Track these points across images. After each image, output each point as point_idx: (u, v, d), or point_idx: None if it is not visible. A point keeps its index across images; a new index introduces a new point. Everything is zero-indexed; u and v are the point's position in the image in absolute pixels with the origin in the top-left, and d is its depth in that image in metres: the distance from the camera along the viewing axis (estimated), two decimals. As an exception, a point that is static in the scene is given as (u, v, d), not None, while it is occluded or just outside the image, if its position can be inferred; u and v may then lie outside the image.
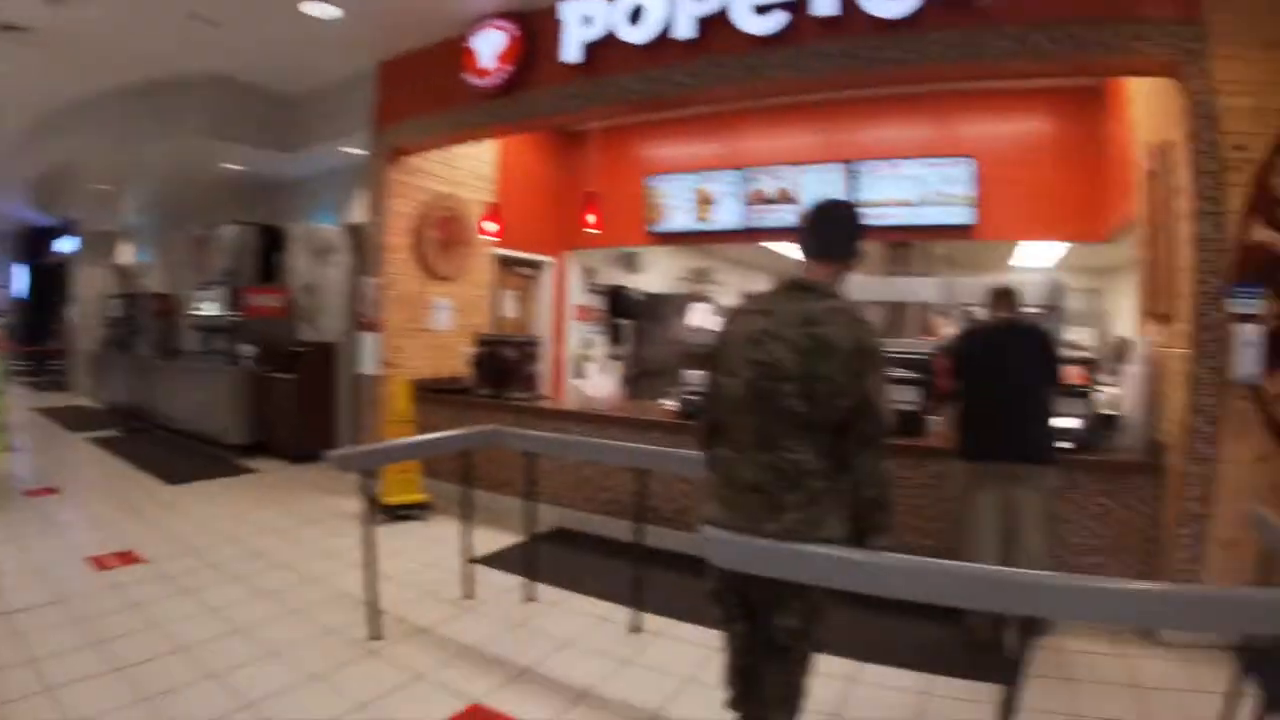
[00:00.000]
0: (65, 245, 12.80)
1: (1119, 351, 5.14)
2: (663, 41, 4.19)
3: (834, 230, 1.83)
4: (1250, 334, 3.06)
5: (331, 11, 4.79)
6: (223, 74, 6.07)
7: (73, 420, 8.73)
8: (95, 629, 3.02)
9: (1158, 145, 3.74)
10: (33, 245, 14.54)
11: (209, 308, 7.79)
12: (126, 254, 11.44)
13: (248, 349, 7.10)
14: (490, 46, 4.82)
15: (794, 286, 1.77)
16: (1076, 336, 5.66)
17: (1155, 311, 3.90)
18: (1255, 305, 3.08)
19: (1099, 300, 6.53)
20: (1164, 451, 3.41)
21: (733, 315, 1.86)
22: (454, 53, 5.00)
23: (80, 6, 4.73)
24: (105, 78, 6.20)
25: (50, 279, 14.17)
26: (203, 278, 8.17)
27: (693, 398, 4.24)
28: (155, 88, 6.24)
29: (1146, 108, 4.05)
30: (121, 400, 8.92)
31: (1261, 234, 3.15)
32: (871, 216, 5.41)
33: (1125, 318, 4.88)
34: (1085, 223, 5.15)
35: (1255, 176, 3.15)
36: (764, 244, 6.68)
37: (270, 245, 7.61)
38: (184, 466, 6.28)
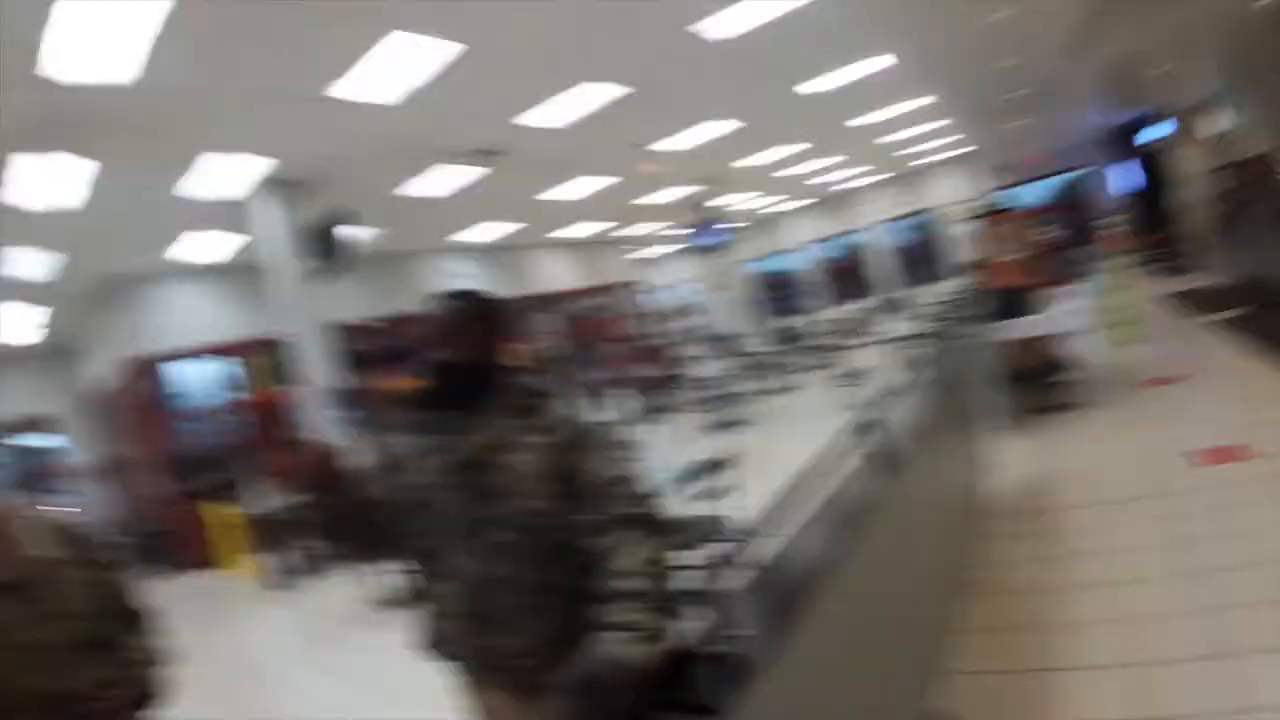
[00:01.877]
0: (1154, 133, 12.94)
1: None
2: None
3: None
4: None
5: None
6: None
7: (1189, 304, 8.56)
8: (1176, 528, 3.03)
9: None
10: (1122, 142, 15.20)
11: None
12: (1215, 124, 10.62)
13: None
14: None
15: None
16: None
17: None
18: None
19: None
20: None
21: None
22: None
23: None
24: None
25: (1148, 169, 14.51)
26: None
27: None
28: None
29: None
30: (1243, 275, 8.13)
31: None
32: None
33: None
34: None
35: None
36: None
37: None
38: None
